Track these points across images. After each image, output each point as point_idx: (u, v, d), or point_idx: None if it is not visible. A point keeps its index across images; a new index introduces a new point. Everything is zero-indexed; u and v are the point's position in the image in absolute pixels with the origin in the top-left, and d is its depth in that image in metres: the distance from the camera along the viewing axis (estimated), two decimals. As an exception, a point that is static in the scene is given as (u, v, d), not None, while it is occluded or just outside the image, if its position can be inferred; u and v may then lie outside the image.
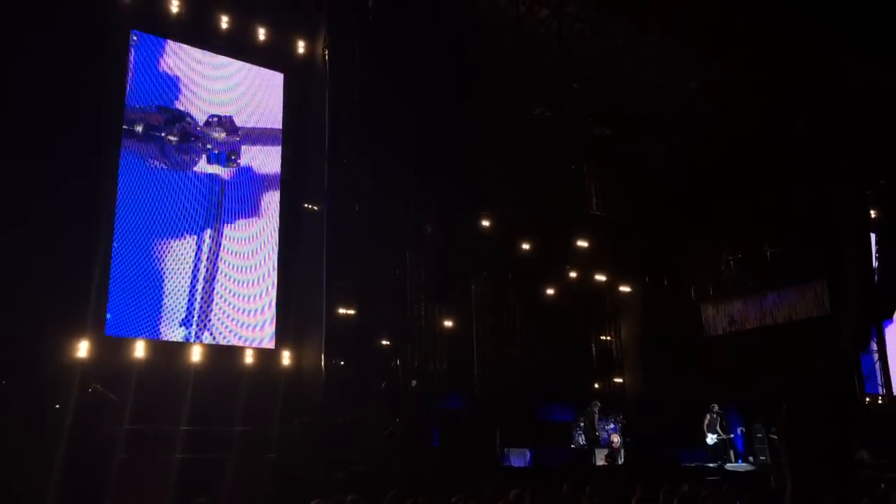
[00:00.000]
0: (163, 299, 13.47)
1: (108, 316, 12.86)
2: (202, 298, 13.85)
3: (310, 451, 12.35)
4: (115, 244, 13.06)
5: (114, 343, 12.78)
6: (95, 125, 12.95)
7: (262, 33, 15.35)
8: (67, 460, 9.90)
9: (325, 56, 15.87)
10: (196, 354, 13.40)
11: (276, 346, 14.58)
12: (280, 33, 15.59)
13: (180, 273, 13.65)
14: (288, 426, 12.85)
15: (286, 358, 14.48)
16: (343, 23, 15.96)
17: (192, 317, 13.68)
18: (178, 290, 13.61)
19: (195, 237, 14.05)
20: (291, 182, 15.52)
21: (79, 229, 12.46)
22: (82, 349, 12.13)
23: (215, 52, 14.95)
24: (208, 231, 14.24)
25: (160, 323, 13.37)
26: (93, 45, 12.91)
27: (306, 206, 15.65)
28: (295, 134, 15.74)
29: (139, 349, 12.87)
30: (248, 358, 14.08)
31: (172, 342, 13.40)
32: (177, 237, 13.80)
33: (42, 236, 11.71)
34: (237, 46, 15.16)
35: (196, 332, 13.68)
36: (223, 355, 13.90)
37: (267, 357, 14.34)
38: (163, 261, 13.56)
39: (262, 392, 13.34)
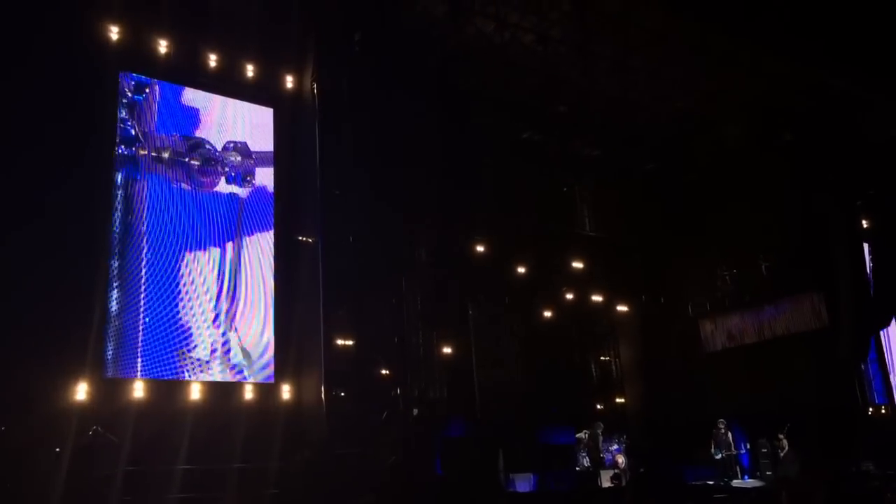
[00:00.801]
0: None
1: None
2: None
3: (313, 485, 12.26)
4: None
5: (112, 384, 12.71)
6: (90, 167, 12.99)
7: (249, 69, 15.47)
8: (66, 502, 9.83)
9: (313, 90, 15.98)
10: (195, 392, 13.33)
11: (275, 380, 14.53)
12: (268, 69, 15.70)
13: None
14: (290, 461, 12.77)
15: (286, 392, 14.41)
16: (330, 56, 16.09)
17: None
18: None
19: (219, 252, 14.74)
20: (285, 215, 15.55)
21: (79, 271, 12.46)
22: (81, 391, 12.05)
23: (205, 90, 15.05)
24: (230, 246, 14.95)
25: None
26: (82, 89, 12.98)
27: (300, 238, 15.67)
28: (286, 167, 15.80)
29: (138, 389, 12.81)
30: (248, 394, 14.02)
31: (171, 381, 13.34)
32: (202, 250, 14.54)
33: (41, 278, 11.71)
34: (226, 83, 15.27)
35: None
36: (222, 392, 13.83)
37: (266, 392, 14.28)
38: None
39: (263, 427, 13.26)
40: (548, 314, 20.50)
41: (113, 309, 13.10)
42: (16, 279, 11.48)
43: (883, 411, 19.40)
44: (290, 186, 15.74)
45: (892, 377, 20.74)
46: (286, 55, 15.91)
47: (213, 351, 13.99)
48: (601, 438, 18.13)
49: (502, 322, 20.24)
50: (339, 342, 15.37)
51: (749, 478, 18.43)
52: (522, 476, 16.66)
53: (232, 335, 14.31)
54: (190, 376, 13.56)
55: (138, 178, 14.09)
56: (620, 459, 18.29)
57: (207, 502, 10.93)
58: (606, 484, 16.71)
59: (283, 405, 14.26)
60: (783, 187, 19.43)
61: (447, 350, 18.35)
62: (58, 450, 11.31)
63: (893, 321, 20.14)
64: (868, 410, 19.09)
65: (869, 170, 19.31)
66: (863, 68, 17.27)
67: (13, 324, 11.30)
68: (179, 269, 14.05)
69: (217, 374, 13.93)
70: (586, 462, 17.88)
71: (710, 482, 17.30)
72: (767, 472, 18.23)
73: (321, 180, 15.52)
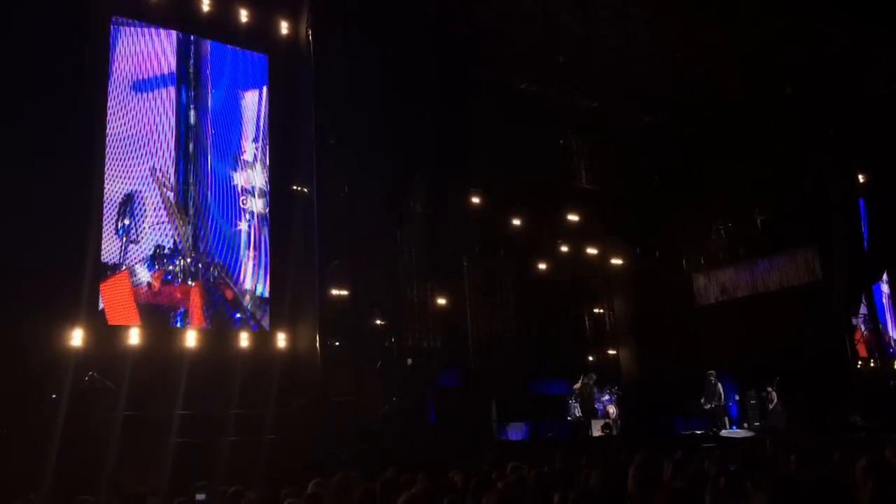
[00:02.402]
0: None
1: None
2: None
3: (307, 431, 12.43)
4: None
5: (109, 330, 12.80)
6: (80, 108, 12.89)
7: (244, 14, 15.25)
8: (64, 448, 9.95)
9: (308, 37, 15.76)
10: (191, 339, 13.42)
11: (271, 328, 14.62)
12: (262, 14, 15.47)
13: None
14: (285, 408, 12.92)
15: (281, 340, 14.52)
16: (325, 2, 15.84)
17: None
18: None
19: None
20: (280, 165, 15.48)
21: (71, 215, 12.43)
22: (77, 337, 12.12)
23: (197, 34, 14.85)
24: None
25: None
26: (73, 32, 12.81)
27: (296, 188, 15.62)
28: (281, 116, 15.66)
29: (134, 336, 12.89)
30: (244, 341, 14.12)
31: (168, 328, 13.43)
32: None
33: (34, 224, 11.69)
34: (219, 28, 15.06)
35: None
36: (218, 339, 13.95)
37: (262, 339, 14.38)
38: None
39: (258, 375, 13.39)
40: (542, 266, 20.57)
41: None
42: (12, 224, 11.44)
43: (872, 365, 19.63)
44: (283, 134, 15.62)
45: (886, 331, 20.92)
46: (280, 1, 15.67)
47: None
48: (594, 389, 18.34)
49: (497, 274, 20.30)
50: (334, 292, 15.45)
51: (737, 428, 18.73)
52: (515, 425, 16.91)
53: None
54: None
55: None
56: (612, 410, 18.54)
57: (205, 447, 11.05)
58: (597, 433, 16.97)
59: (279, 353, 14.38)
60: (781, 141, 19.35)
61: (441, 301, 18.45)
62: (54, 396, 11.43)
63: (884, 276, 20.26)
64: (857, 364, 19.31)
65: (867, 125, 19.22)
66: (864, 20, 17.07)
67: (9, 269, 11.30)
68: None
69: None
70: (578, 412, 18.13)
71: (699, 432, 17.59)
72: (755, 423, 18.53)
73: (315, 129, 15.41)
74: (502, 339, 19.74)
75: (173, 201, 14.67)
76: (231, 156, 15.58)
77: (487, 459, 10.26)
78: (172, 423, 11.42)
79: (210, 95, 15.66)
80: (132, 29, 14.69)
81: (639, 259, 22.16)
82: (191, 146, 15.22)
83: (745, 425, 18.87)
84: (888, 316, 20.51)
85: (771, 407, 18.04)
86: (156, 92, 14.94)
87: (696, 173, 20.90)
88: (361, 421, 13.49)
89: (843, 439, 12.38)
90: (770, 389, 18.07)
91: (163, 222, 14.35)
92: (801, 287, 19.66)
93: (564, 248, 20.74)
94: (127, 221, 14.02)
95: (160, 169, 14.56)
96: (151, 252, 14.06)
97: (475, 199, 18.77)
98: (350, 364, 14.82)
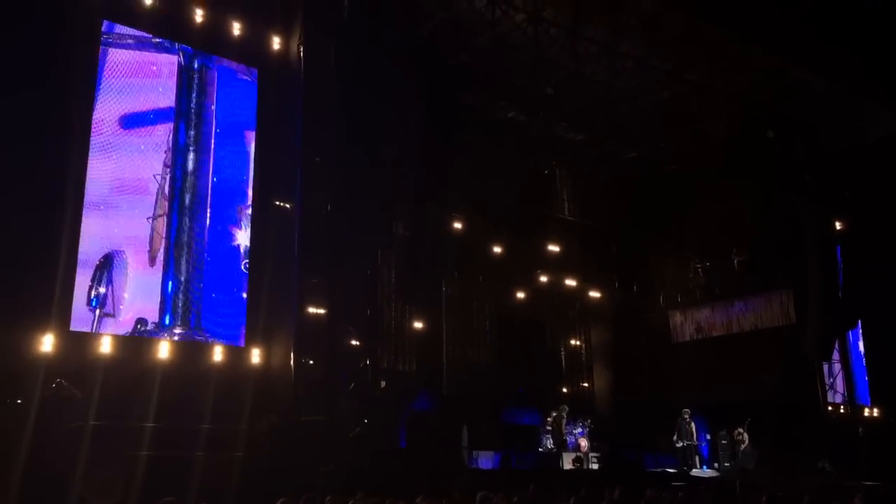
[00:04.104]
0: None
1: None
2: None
3: (278, 450, 12.25)
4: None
5: (79, 337, 12.51)
6: (64, 114, 12.70)
7: (236, 28, 15.18)
8: (30, 456, 9.73)
9: (299, 53, 15.76)
10: (164, 351, 13.17)
11: (245, 343, 14.43)
12: (255, 29, 15.42)
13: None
14: (256, 425, 12.74)
15: (255, 356, 14.34)
16: (318, 20, 15.83)
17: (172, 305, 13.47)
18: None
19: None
20: (263, 179, 15.37)
21: (43, 218, 12.21)
22: (47, 343, 11.87)
23: (190, 45, 14.76)
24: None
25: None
26: (64, 35, 12.70)
27: (277, 203, 15.51)
28: (267, 131, 15.59)
29: (105, 344, 12.62)
30: (217, 355, 13.89)
31: (140, 337, 13.16)
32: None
33: (5, 228, 11.50)
34: (211, 41, 14.98)
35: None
36: (192, 352, 13.69)
37: (236, 355, 14.18)
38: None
39: (231, 390, 13.16)
40: (521, 295, 20.60)
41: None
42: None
43: (842, 411, 19.77)
44: (270, 149, 15.54)
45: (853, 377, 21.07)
46: (274, 16, 15.64)
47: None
48: (565, 421, 18.29)
49: (475, 300, 20.29)
50: (311, 310, 15.29)
51: (707, 468, 18.74)
52: (485, 453, 16.79)
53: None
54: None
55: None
56: (583, 443, 18.49)
57: (174, 461, 10.85)
58: (568, 466, 16.90)
59: (252, 369, 14.18)
60: (761, 184, 19.61)
61: (418, 324, 18.39)
62: (19, 401, 11.19)
63: (858, 324, 20.46)
64: (828, 409, 19.44)
65: (846, 173, 19.53)
66: (846, 70, 17.43)
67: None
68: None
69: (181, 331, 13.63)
70: (550, 443, 18.05)
71: (670, 470, 17.57)
72: (725, 464, 18.55)
73: (302, 145, 15.36)
74: (477, 365, 19.69)
75: (162, 265, 13.07)
76: (234, 209, 14.27)
77: (457, 487, 10.16)
78: (142, 435, 11.21)
79: (213, 135, 14.11)
80: (124, 52, 13.40)
81: (617, 293, 22.26)
82: (187, 197, 13.58)
83: (716, 465, 18.90)
84: (860, 364, 20.70)
85: (742, 448, 18.09)
86: (148, 129, 13.36)
87: (676, 210, 21.10)
88: (332, 442, 13.32)
89: (811, 484, 12.43)
90: (741, 430, 18.13)
91: (148, 292, 12.90)
92: (775, 329, 19.86)
93: (543, 278, 20.80)
94: (102, 290, 12.49)
95: (148, 225, 12.95)
96: (131, 329, 12.85)
97: (457, 224, 18.79)
98: (323, 383, 14.65)
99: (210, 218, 13.97)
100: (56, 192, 12.38)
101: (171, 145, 13.68)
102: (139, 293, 12.98)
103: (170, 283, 13.33)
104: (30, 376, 11.19)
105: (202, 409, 12.24)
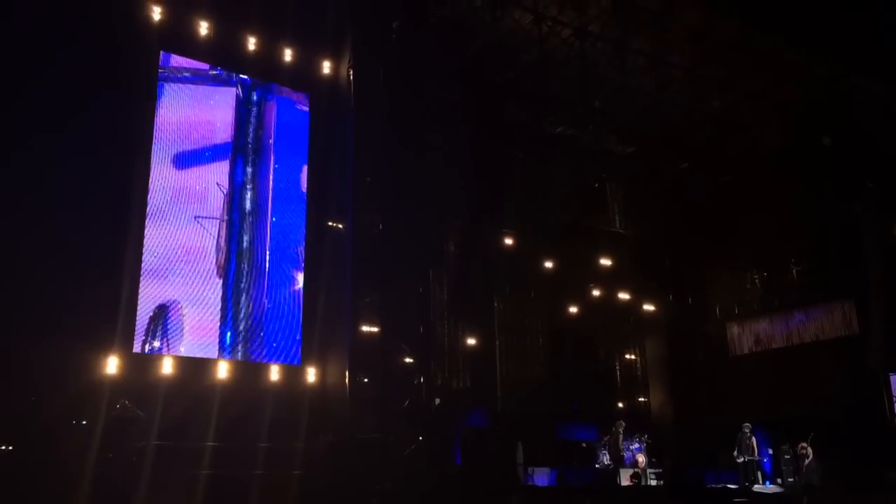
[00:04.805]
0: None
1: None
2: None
3: (333, 468, 12.39)
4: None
5: (142, 359, 12.90)
6: (124, 140, 13.17)
7: (288, 54, 15.59)
8: (96, 475, 10.02)
9: (349, 76, 16.06)
10: (223, 371, 13.50)
11: (301, 362, 14.66)
12: (305, 54, 15.82)
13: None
14: (312, 443, 12.91)
15: (311, 375, 14.56)
16: (367, 44, 16.15)
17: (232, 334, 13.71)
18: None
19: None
20: (317, 200, 15.66)
21: (108, 245, 12.64)
22: (111, 365, 12.26)
23: (243, 73, 15.15)
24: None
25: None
26: (122, 66, 13.17)
27: (331, 224, 15.78)
28: (320, 153, 15.90)
29: (167, 365, 13.00)
30: (274, 375, 14.18)
31: (200, 358, 13.50)
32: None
33: (72, 252, 11.93)
34: (264, 67, 15.38)
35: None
36: (250, 372, 14.00)
37: (292, 374, 14.43)
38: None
39: (288, 408, 13.42)
40: (573, 310, 20.43)
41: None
42: (51, 255, 11.70)
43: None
44: (323, 171, 15.83)
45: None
46: (324, 42, 16.03)
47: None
48: (622, 437, 18.06)
49: (527, 315, 20.22)
50: (365, 328, 15.47)
51: (770, 483, 18.28)
52: (541, 470, 16.68)
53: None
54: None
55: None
56: (640, 458, 18.22)
57: (233, 479, 11.07)
58: (625, 482, 16.67)
59: (309, 388, 14.41)
60: (818, 191, 19.16)
61: (471, 341, 18.40)
62: (85, 422, 11.56)
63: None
64: (895, 421, 18.80)
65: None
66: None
67: (46, 298, 11.53)
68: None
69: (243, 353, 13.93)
70: (606, 460, 17.84)
71: (731, 486, 17.19)
72: (789, 479, 18.06)
73: (353, 167, 15.61)
74: (531, 380, 19.59)
75: (219, 315, 12.93)
76: (294, 250, 14.24)
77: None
78: (202, 454, 11.46)
79: (272, 172, 13.87)
80: (180, 87, 13.45)
81: (671, 305, 21.93)
82: (245, 239, 13.29)
83: (779, 481, 18.40)
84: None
85: (806, 463, 17.60)
86: (204, 168, 13.17)
87: (731, 221, 20.73)
88: (387, 459, 13.41)
89: (878, 498, 12.06)
90: (805, 445, 17.65)
91: (205, 344, 12.99)
92: (837, 340, 19.31)
93: (596, 292, 20.60)
94: (157, 344, 12.53)
95: (206, 271, 12.73)
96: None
97: (508, 240, 18.78)
98: (378, 401, 14.78)
99: (268, 262, 13.84)
100: (119, 208, 12.80)
101: (227, 183, 13.59)
102: (195, 345, 13.20)
103: (228, 333, 13.48)
104: (95, 397, 11.56)
105: (260, 428, 12.49)
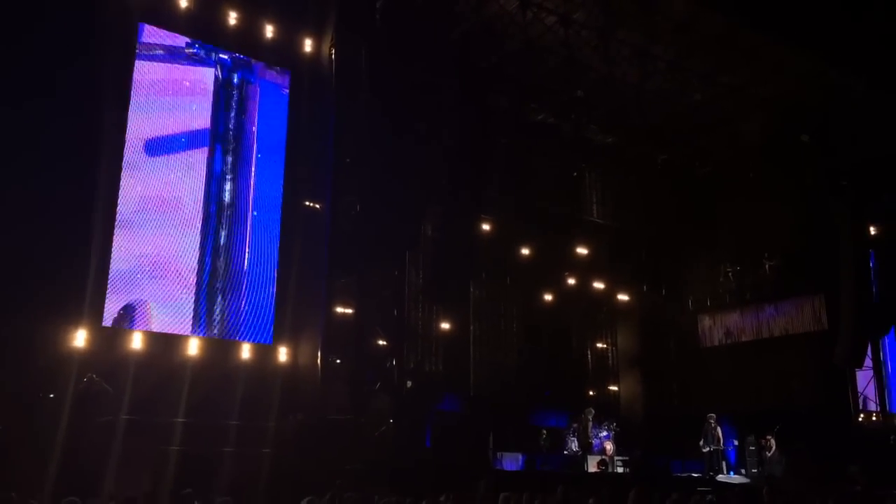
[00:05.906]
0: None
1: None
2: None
3: (304, 447, 12.40)
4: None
5: (111, 333, 12.79)
6: (97, 120, 12.94)
7: (269, 30, 15.39)
8: (63, 449, 9.96)
9: (331, 55, 15.91)
10: (194, 347, 13.42)
11: (273, 341, 14.61)
12: (287, 31, 15.62)
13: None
14: (283, 422, 12.91)
15: (283, 354, 14.51)
16: (351, 23, 16.00)
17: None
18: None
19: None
20: (294, 179, 15.55)
21: (77, 219, 12.48)
22: (80, 339, 12.15)
23: (223, 49, 14.96)
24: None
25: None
26: (98, 36, 12.93)
27: (307, 203, 15.68)
28: (298, 131, 15.76)
29: (137, 340, 12.90)
30: (246, 353, 14.11)
31: (171, 334, 13.41)
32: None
33: (40, 226, 11.77)
34: (245, 43, 15.19)
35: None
36: (221, 349, 13.93)
37: (264, 352, 14.38)
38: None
39: (259, 387, 13.38)
40: (549, 297, 20.55)
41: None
42: (19, 229, 11.54)
43: (874, 419, 19.44)
44: (300, 150, 15.70)
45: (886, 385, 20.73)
46: (306, 19, 15.83)
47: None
48: (591, 424, 18.24)
49: (502, 302, 20.30)
50: (339, 309, 15.46)
51: (734, 474, 18.55)
52: (511, 454, 16.82)
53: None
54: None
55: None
56: (609, 446, 18.41)
57: (203, 456, 11.04)
58: (592, 469, 16.85)
59: (280, 367, 14.37)
60: (796, 188, 19.37)
61: (445, 326, 18.45)
62: (52, 395, 11.47)
63: (893, 330, 20.10)
64: (859, 416, 19.14)
65: (882, 176, 19.19)
66: (889, 72, 17.11)
67: (18, 272, 11.39)
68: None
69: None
70: (575, 446, 18.01)
71: (696, 475, 17.44)
72: (753, 470, 18.34)
73: (333, 147, 15.51)
74: (504, 366, 19.69)
75: (194, 289, 12.82)
76: (276, 235, 14.12)
77: (482, 488, 10.21)
78: (172, 430, 11.42)
79: (254, 161, 13.26)
80: (154, 65, 12.83)
81: (645, 296, 22.11)
82: (222, 235, 12.77)
83: (743, 471, 18.69)
84: (894, 371, 20.33)
85: (769, 455, 17.88)
86: (179, 156, 12.47)
87: (707, 214, 20.92)
88: (358, 440, 13.44)
89: (839, 492, 12.25)
90: (769, 437, 17.92)
91: (176, 319, 13.00)
92: (806, 335, 19.59)
93: (571, 281, 20.72)
94: (127, 318, 12.64)
95: (175, 266, 12.46)
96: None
97: (485, 226, 18.82)
98: (350, 382, 14.80)
99: (247, 262, 13.58)
100: (87, 201, 12.65)
101: (205, 174, 13.02)
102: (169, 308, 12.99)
103: (201, 308, 13.30)
104: (62, 371, 11.46)
105: (231, 406, 12.46)
